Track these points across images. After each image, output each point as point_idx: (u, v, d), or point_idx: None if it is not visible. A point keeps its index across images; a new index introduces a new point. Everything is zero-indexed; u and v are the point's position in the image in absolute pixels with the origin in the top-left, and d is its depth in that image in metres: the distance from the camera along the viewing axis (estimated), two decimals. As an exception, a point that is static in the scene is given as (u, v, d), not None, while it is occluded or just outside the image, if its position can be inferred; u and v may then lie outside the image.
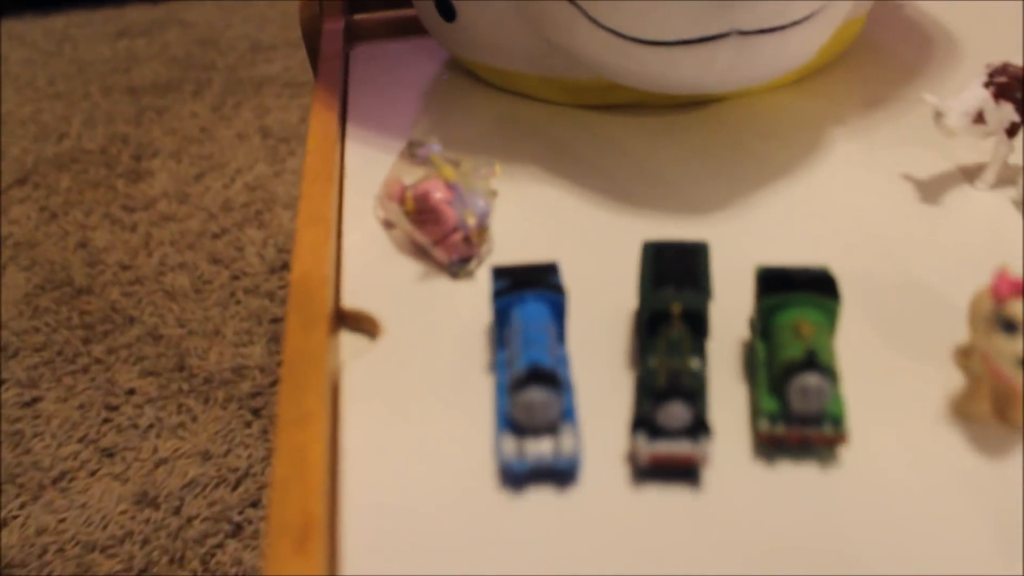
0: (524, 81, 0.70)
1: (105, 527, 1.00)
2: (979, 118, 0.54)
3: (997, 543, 0.37)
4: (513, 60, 0.68)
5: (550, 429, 0.39)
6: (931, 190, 0.58)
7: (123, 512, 1.02)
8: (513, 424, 0.40)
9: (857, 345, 0.46)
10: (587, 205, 0.58)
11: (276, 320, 1.25)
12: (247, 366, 1.18)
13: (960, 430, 0.42)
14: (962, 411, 0.42)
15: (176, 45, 2.09)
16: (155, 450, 1.09)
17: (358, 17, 0.87)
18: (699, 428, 0.38)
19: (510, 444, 0.39)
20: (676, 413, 0.38)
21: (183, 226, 1.47)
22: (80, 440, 1.11)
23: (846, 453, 0.41)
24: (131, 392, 1.17)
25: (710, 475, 0.40)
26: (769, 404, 0.40)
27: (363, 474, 0.42)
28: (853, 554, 0.37)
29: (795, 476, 0.40)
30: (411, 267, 0.54)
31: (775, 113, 0.67)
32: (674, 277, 0.43)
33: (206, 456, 1.07)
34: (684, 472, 0.40)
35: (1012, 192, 0.57)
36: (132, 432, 1.12)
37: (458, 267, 0.53)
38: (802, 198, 0.58)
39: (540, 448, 0.39)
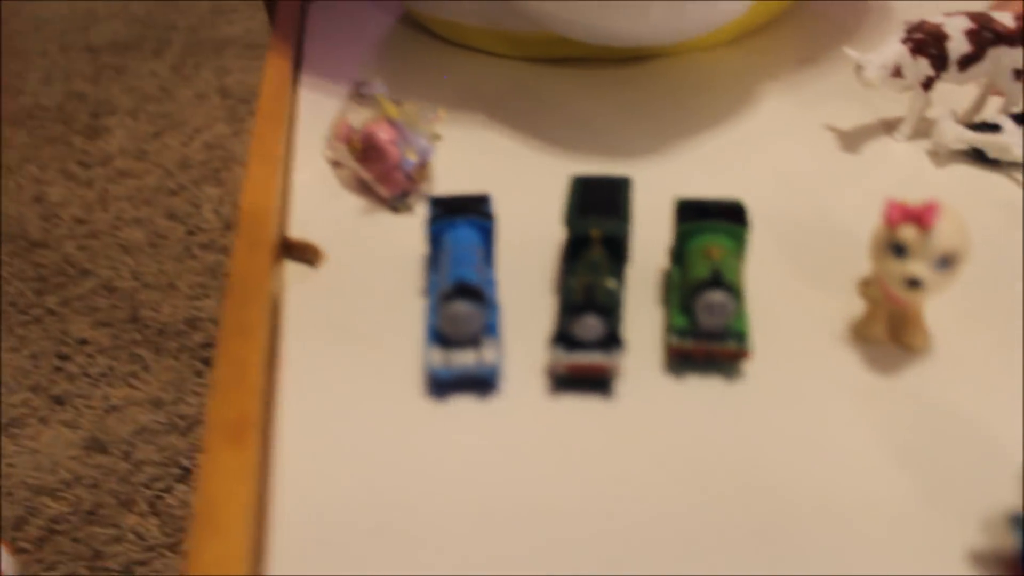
0: (473, 34, 0.72)
1: (54, 472, 1.02)
2: (897, 72, 0.58)
3: (887, 452, 0.40)
4: (462, 13, 0.70)
5: (474, 341, 0.42)
6: (853, 141, 0.61)
7: (73, 457, 1.03)
8: (440, 337, 0.42)
9: (768, 275, 0.50)
10: (525, 150, 0.61)
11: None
12: (200, 318, 1.20)
13: (857, 351, 0.45)
14: (859, 333, 0.45)
15: (136, 4, 2.07)
16: (106, 398, 1.10)
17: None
18: (612, 341, 0.41)
19: (437, 354, 0.42)
20: (590, 325, 0.40)
21: (140, 182, 1.47)
22: (31, 388, 1.12)
23: (750, 368, 0.44)
24: (84, 342, 1.18)
25: (623, 387, 0.43)
26: (679, 320, 0.43)
27: (299, 384, 0.44)
28: (754, 459, 0.40)
29: (702, 389, 0.43)
30: (356, 202, 0.57)
31: (711, 69, 0.70)
32: (597, 206, 0.45)
33: (157, 404, 1.08)
34: (598, 382, 0.43)
35: (927, 144, 0.60)
36: (84, 380, 1.13)
37: (399, 201, 0.55)
38: (728, 146, 0.61)
39: (464, 358, 0.42)
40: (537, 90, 0.68)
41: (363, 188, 0.58)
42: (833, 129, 0.62)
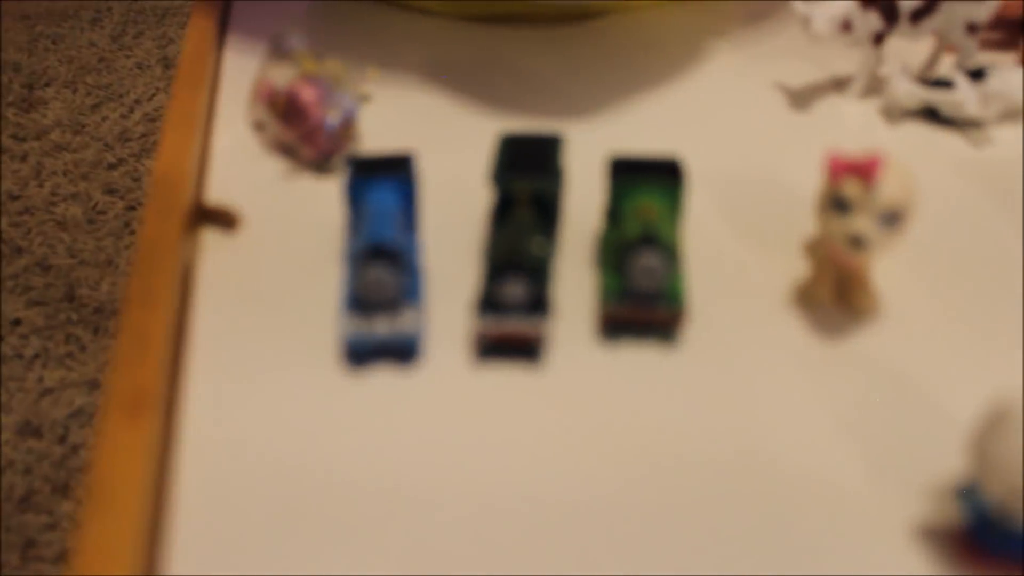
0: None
1: (-14, 456, 0.98)
2: (846, 26, 0.55)
3: (832, 420, 0.38)
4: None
5: (393, 308, 0.39)
6: (802, 100, 0.59)
7: (5, 442, 0.99)
8: (357, 303, 0.39)
9: (710, 237, 0.47)
10: (461, 112, 0.58)
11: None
12: (139, 296, 1.15)
13: (801, 315, 0.43)
14: (805, 296, 0.43)
15: (75, -26, 2.00)
16: (40, 380, 1.06)
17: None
18: (538, 305, 0.38)
19: (352, 322, 0.39)
20: (515, 288, 0.38)
21: (77, 156, 1.42)
22: (-38, 371, 1.08)
23: (688, 335, 0.41)
24: (17, 323, 1.13)
25: (554, 356, 0.40)
26: (612, 283, 0.40)
27: (209, 356, 0.41)
28: (692, 431, 0.38)
29: (637, 358, 0.40)
30: (277, 166, 0.53)
31: (658, 27, 0.67)
32: (526, 164, 0.43)
33: (94, 385, 1.04)
34: (526, 351, 0.40)
35: (879, 102, 0.58)
36: (16, 362, 1.08)
37: (323, 164, 0.52)
38: (673, 105, 0.58)
39: (382, 326, 0.39)
40: (475, 51, 0.64)
41: (286, 150, 0.55)
42: (782, 87, 0.60)
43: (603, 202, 0.48)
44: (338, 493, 0.35)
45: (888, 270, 0.44)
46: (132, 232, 1.27)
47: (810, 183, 0.51)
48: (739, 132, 0.56)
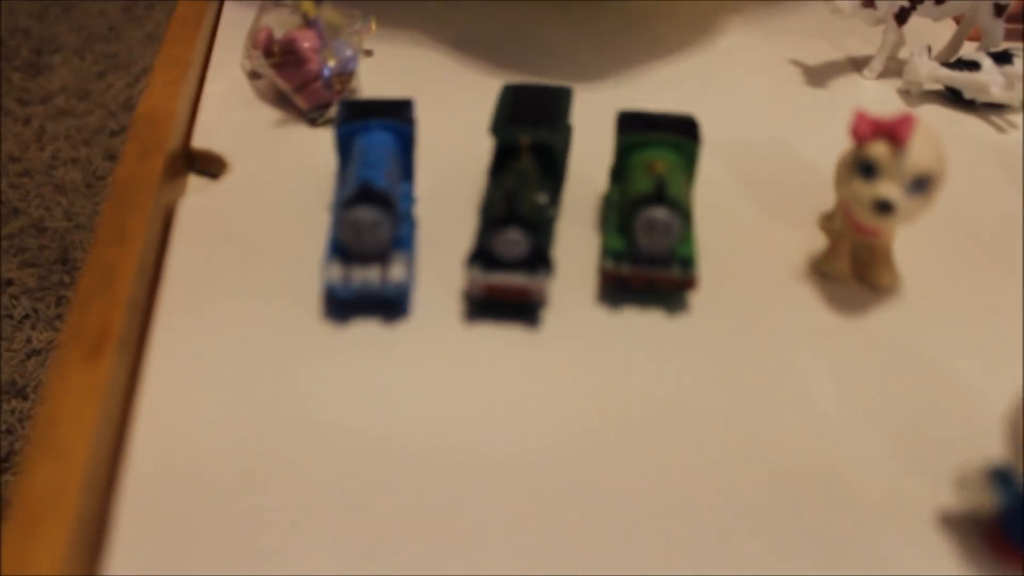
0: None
1: (-33, 417, 0.95)
2: (870, 1, 0.52)
3: (849, 400, 0.35)
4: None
5: (381, 256, 0.36)
6: (818, 76, 0.56)
7: (-12, 402, 0.97)
8: (342, 250, 0.37)
9: (722, 202, 0.44)
10: (467, 70, 0.55)
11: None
12: (134, 263, 1.13)
13: (817, 288, 0.40)
14: (821, 269, 0.40)
15: (91, -58, 1.97)
16: (28, 340, 1.03)
17: None
18: (538, 261, 0.35)
19: (336, 269, 0.36)
20: (512, 240, 0.35)
21: (80, 122, 1.39)
22: (-51, 330, 1.05)
23: (696, 302, 0.39)
24: (9, 283, 1.11)
25: (550, 316, 0.38)
26: (616, 243, 0.37)
27: (180, 299, 0.38)
28: (696, 405, 0.35)
29: (640, 322, 0.38)
30: (270, 114, 0.51)
31: (672, 3, 0.64)
32: (530, 114, 0.40)
33: (82, 350, 1.02)
34: (522, 309, 0.37)
35: (898, 83, 0.55)
36: (6, 322, 1.06)
37: (317, 113, 0.50)
38: (688, 74, 0.55)
39: (368, 274, 0.36)
40: (489, 16, 0.62)
41: (281, 99, 0.52)
42: (798, 63, 0.57)
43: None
44: (310, 458, 0.33)
45: (907, 249, 0.42)
46: (131, 199, 1.24)
47: (825, 158, 0.48)
48: (753, 106, 0.53)
